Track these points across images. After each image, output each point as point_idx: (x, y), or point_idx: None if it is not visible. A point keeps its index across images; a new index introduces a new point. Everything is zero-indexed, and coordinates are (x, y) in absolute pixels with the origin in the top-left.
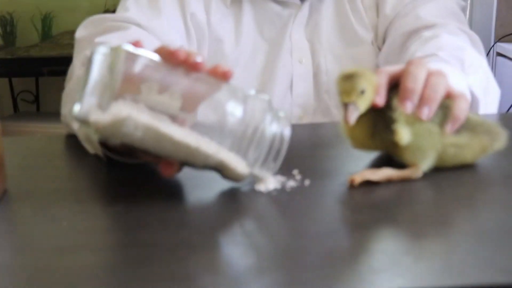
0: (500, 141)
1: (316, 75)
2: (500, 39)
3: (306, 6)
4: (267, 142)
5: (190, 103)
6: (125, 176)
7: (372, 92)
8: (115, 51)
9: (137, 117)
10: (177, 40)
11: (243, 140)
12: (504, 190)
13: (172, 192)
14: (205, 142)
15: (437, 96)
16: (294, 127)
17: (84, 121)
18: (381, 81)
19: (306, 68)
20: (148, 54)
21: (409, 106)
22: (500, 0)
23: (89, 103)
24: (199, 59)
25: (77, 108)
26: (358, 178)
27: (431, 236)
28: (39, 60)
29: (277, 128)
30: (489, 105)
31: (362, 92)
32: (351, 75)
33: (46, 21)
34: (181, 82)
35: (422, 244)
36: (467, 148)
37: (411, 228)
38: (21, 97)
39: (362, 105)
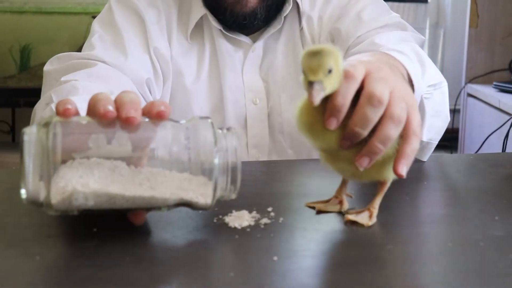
0: None
1: (270, 115)
2: (470, 80)
3: (259, 46)
4: (218, 164)
5: (139, 142)
6: None
7: (339, 75)
8: (44, 126)
9: (83, 188)
10: (143, 75)
11: (196, 166)
12: None
13: (145, 228)
14: (159, 187)
15: (382, 150)
16: (265, 164)
17: (35, 203)
18: (344, 102)
19: (261, 109)
20: (81, 118)
21: (346, 146)
22: (470, 43)
23: (33, 184)
24: (131, 113)
25: (23, 192)
26: (370, 223)
27: (404, 275)
28: (16, 91)
29: (225, 144)
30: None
31: (330, 71)
32: (318, 51)
33: (25, 52)
34: (124, 127)
35: (395, 284)
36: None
37: (385, 267)
38: None
39: (328, 86)
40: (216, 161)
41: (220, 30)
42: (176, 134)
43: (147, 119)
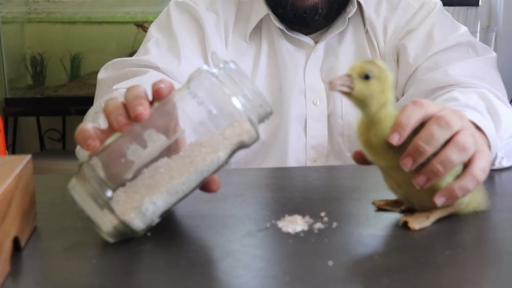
0: (480, 196)
1: (330, 117)
2: None
3: (320, 48)
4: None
5: (167, 127)
6: None
7: (379, 92)
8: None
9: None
10: None
11: (224, 116)
12: None
13: (199, 233)
14: (207, 152)
15: (441, 173)
16: (316, 169)
17: (119, 234)
18: (409, 121)
19: (321, 110)
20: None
21: (407, 165)
22: None
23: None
24: (138, 110)
25: (107, 235)
26: (417, 226)
27: (464, 281)
28: (67, 99)
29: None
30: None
31: (367, 77)
32: (371, 61)
33: (75, 61)
34: (145, 124)
35: None
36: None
37: (443, 273)
38: (48, 135)
39: (358, 87)
40: (234, 99)
41: (281, 30)
42: (189, 102)
43: (157, 104)
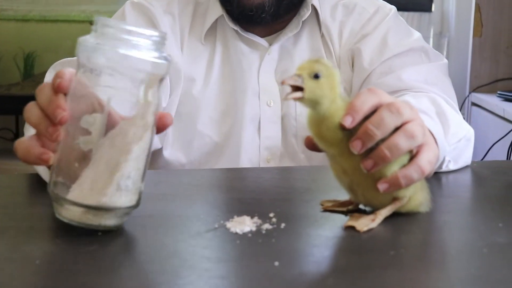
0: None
1: (284, 118)
2: (474, 89)
3: (275, 50)
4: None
5: (92, 105)
6: None
7: (329, 90)
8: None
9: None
10: None
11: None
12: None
13: (146, 232)
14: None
15: (389, 158)
16: (269, 170)
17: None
18: (362, 106)
19: (275, 112)
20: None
21: (357, 147)
22: (474, 52)
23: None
24: (58, 114)
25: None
26: (365, 228)
27: (406, 281)
28: (20, 98)
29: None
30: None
31: (316, 76)
32: (318, 60)
33: (29, 60)
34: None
35: None
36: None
37: (386, 273)
38: (0, 135)
39: (308, 88)
40: (122, 50)
41: (236, 31)
42: (91, 77)
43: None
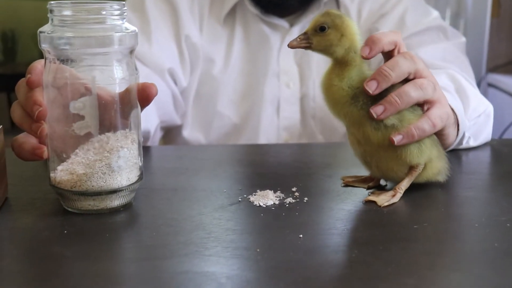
0: (440, 164)
1: (303, 100)
2: (491, 70)
3: (295, 31)
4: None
5: (78, 90)
6: None
7: (338, 39)
8: None
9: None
10: (166, 63)
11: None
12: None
13: (170, 206)
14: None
15: (400, 105)
16: (289, 147)
17: None
18: (383, 39)
19: (293, 93)
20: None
21: (372, 86)
22: (492, 33)
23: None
24: (35, 110)
25: None
26: (386, 203)
27: (431, 253)
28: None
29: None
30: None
31: (322, 29)
32: (325, 13)
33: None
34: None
35: (420, 262)
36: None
37: (410, 246)
38: None
39: (315, 41)
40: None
41: (257, 14)
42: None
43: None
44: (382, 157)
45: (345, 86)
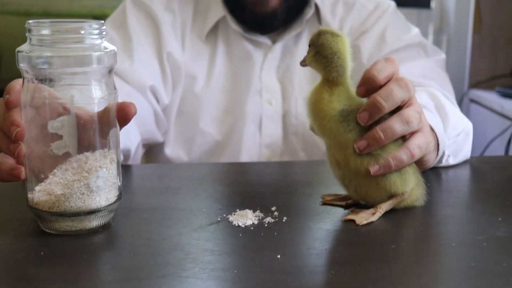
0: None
1: (285, 117)
2: (473, 86)
3: (278, 48)
4: None
5: (56, 109)
6: None
7: (339, 56)
8: None
9: None
10: (148, 81)
11: None
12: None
13: (149, 226)
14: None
15: (389, 138)
16: (270, 165)
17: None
18: (379, 78)
19: (276, 110)
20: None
21: (364, 117)
22: (473, 49)
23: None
24: (13, 131)
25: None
26: (364, 222)
27: (409, 274)
28: None
29: None
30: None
31: (309, 45)
32: (318, 31)
33: None
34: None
35: (398, 282)
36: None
37: (388, 266)
38: None
39: (307, 58)
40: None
41: (239, 31)
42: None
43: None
44: (361, 183)
45: (335, 101)
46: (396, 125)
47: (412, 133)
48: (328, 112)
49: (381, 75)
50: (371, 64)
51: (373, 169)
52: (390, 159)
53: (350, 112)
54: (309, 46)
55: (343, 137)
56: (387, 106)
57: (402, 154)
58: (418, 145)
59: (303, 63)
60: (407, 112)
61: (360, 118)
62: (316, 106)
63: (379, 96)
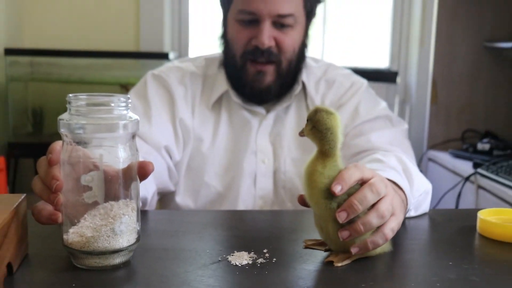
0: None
1: (275, 173)
2: (430, 147)
3: (271, 117)
4: None
5: (87, 166)
6: None
7: (334, 134)
8: None
9: None
10: (163, 141)
11: None
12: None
13: (161, 263)
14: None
15: (361, 232)
16: (263, 213)
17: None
18: (350, 178)
19: (268, 167)
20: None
21: (342, 217)
22: (431, 117)
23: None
24: (54, 184)
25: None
26: (340, 264)
27: None
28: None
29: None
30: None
31: (307, 120)
32: (314, 109)
33: None
34: (74, 179)
35: None
36: None
37: None
38: None
39: (305, 131)
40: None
41: (239, 103)
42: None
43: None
44: (339, 244)
45: (326, 173)
46: (373, 220)
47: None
48: (318, 184)
49: (351, 179)
50: (343, 169)
51: (354, 250)
52: (368, 242)
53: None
54: (307, 120)
55: (323, 211)
56: (362, 208)
57: (378, 238)
58: (391, 229)
59: (302, 134)
60: (382, 206)
61: (339, 216)
62: (309, 177)
63: (355, 200)
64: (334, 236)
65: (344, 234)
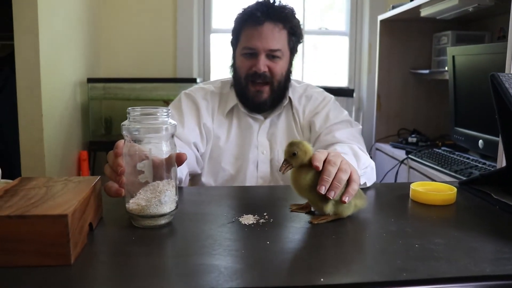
0: (362, 201)
1: (272, 161)
2: (377, 141)
3: (267, 122)
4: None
5: (142, 157)
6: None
7: (305, 155)
8: None
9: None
10: (192, 139)
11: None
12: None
13: (193, 223)
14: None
15: (340, 186)
16: (263, 188)
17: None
18: (320, 159)
19: (266, 157)
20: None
21: (323, 190)
22: (377, 119)
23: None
24: (119, 169)
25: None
26: (316, 222)
27: (344, 254)
28: None
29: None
30: (368, 181)
31: (294, 154)
32: (290, 143)
33: None
34: (132, 165)
35: (339, 251)
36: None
37: (328, 251)
38: None
39: (293, 162)
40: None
41: (245, 112)
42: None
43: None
44: (318, 207)
45: (307, 177)
46: (342, 176)
47: (349, 179)
48: (302, 185)
49: (321, 158)
50: (314, 153)
51: (345, 198)
52: (350, 190)
53: (312, 185)
54: (291, 155)
55: (310, 196)
56: (331, 179)
57: (354, 186)
58: (357, 177)
59: (289, 167)
60: (343, 167)
61: (320, 189)
62: (296, 182)
63: (324, 176)
64: (314, 202)
65: (321, 188)
